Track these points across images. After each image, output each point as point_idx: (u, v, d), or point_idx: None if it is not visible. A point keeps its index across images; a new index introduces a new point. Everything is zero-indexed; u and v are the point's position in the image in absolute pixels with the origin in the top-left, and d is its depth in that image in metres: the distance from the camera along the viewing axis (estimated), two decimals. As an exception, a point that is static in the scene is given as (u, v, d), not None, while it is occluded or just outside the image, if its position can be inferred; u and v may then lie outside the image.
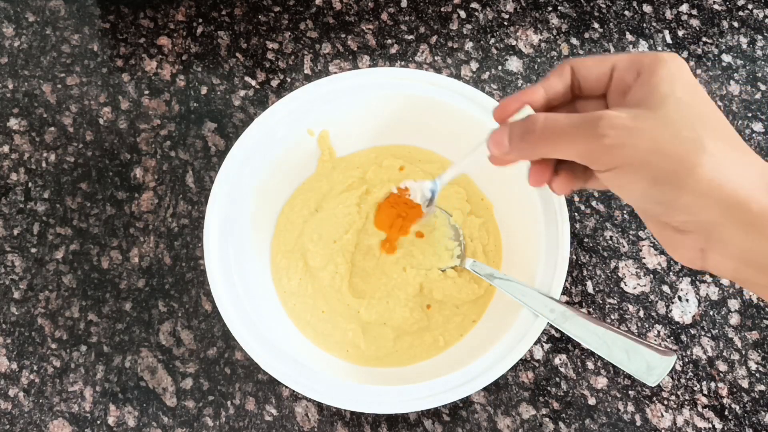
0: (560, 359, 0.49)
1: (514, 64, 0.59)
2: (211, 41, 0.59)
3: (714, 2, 0.62)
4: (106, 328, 0.49)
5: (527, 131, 0.33)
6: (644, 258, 0.52)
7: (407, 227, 0.47)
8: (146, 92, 0.57)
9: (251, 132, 0.47)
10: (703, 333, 0.50)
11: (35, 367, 0.48)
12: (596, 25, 0.61)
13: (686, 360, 0.50)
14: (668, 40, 0.60)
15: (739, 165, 0.29)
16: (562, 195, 0.37)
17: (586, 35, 0.60)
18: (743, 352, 0.50)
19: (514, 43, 0.60)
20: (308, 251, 0.48)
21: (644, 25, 0.61)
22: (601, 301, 0.51)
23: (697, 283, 0.52)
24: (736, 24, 0.61)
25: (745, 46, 0.60)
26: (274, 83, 0.57)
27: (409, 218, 0.46)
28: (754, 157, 0.30)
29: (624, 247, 0.53)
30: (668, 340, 0.50)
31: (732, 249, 0.29)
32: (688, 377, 0.49)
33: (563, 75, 0.35)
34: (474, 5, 0.61)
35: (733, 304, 0.51)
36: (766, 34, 0.61)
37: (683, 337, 0.50)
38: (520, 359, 0.46)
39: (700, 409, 0.48)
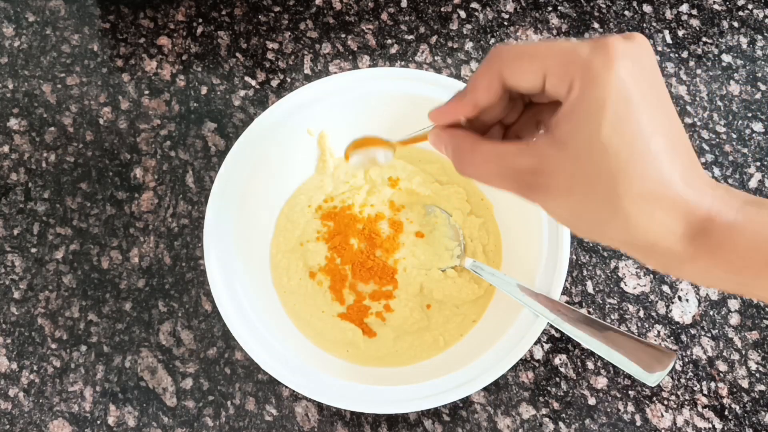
0: (560, 359, 0.49)
1: (514, 64, 0.59)
2: (211, 41, 0.59)
3: (714, 2, 0.62)
4: (106, 328, 0.49)
5: (458, 162, 0.32)
6: (644, 258, 0.52)
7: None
8: (146, 92, 0.57)
9: (251, 132, 0.47)
10: (703, 333, 0.50)
11: (35, 367, 0.48)
12: (596, 25, 0.61)
13: (686, 360, 0.50)
14: (668, 40, 0.60)
15: (658, 220, 0.28)
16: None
17: (586, 35, 0.60)
18: (743, 352, 0.50)
19: (514, 43, 0.60)
20: (308, 251, 0.49)
21: (644, 25, 0.61)
22: (601, 301, 0.51)
23: (697, 283, 0.52)
24: (736, 24, 0.61)
25: (745, 46, 0.60)
26: (274, 83, 0.57)
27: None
28: (674, 198, 0.28)
29: (624, 247, 0.53)
30: (668, 340, 0.50)
31: (673, 249, 0.29)
32: (688, 377, 0.49)
33: (491, 86, 0.30)
34: (474, 5, 0.61)
35: (733, 304, 0.51)
36: (766, 34, 0.61)
37: (683, 337, 0.50)
38: (520, 359, 0.46)
39: (700, 409, 0.48)
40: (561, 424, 0.47)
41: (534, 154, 0.29)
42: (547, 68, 0.28)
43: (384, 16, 0.60)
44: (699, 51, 0.60)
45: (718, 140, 0.56)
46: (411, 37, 0.60)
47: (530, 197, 0.30)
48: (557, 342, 0.50)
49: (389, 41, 0.59)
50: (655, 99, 0.28)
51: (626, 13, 0.61)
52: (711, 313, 0.51)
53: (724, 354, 0.50)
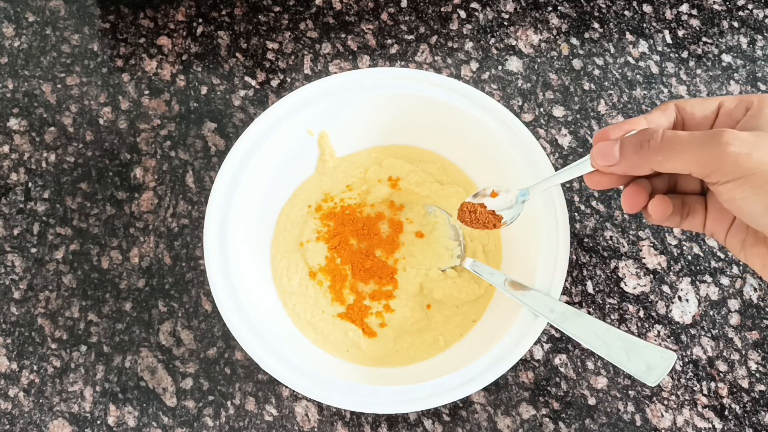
0: (560, 359, 0.49)
1: (514, 64, 0.59)
2: (211, 41, 0.59)
3: (714, 2, 0.62)
4: (106, 328, 0.49)
5: (644, 142, 0.33)
6: (644, 258, 0.52)
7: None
8: (146, 92, 0.57)
9: (251, 132, 0.47)
10: (703, 333, 0.50)
11: (35, 367, 0.48)
12: (596, 25, 0.61)
13: (686, 360, 0.50)
14: (668, 40, 0.60)
15: None
16: (657, 222, 0.37)
17: (586, 35, 0.60)
18: (743, 352, 0.50)
19: (514, 43, 0.60)
20: (308, 251, 0.49)
21: (644, 25, 0.61)
22: (601, 301, 0.51)
23: (697, 283, 0.52)
24: (736, 24, 0.61)
25: (745, 46, 0.60)
26: (274, 83, 0.57)
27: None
28: None
29: (624, 247, 0.53)
30: (668, 340, 0.50)
31: None
32: (688, 377, 0.49)
33: (667, 111, 0.35)
34: (474, 5, 0.61)
35: (733, 304, 0.51)
36: (766, 34, 0.61)
37: (683, 337, 0.50)
38: (520, 359, 0.46)
39: (700, 409, 0.48)
40: (561, 424, 0.47)
41: (732, 129, 0.31)
42: (723, 101, 0.34)
43: (384, 16, 0.60)
44: (699, 51, 0.60)
45: (718, 140, 0.56)
46: (411, 37, 0.60)
47: (726, 161, 0.30)
48: (557, 342, 0.50)
49: (389, 41, 0.59)
50: None
51: (626, 13, 0.61)
52: (711, 313, 0.51)
53: (724, 354, 0.50)
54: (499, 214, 0.43)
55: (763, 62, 0.60)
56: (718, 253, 0.53)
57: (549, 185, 0.41)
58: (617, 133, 0.35)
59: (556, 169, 0.54)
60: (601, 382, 0.49)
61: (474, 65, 0.59)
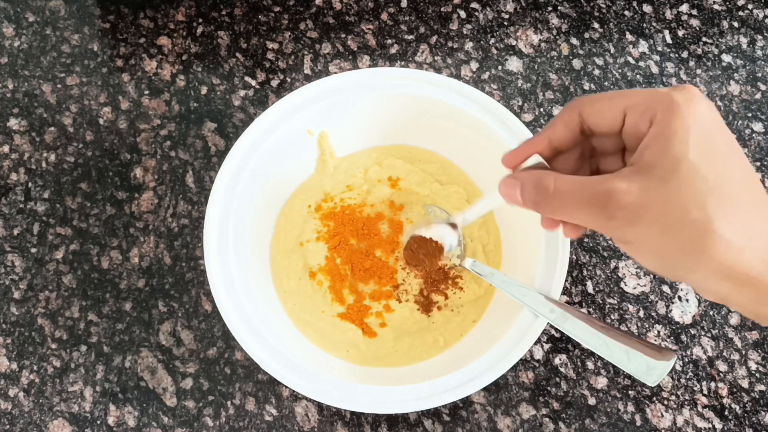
0: (560, 359, 0.49)
1: (514, 64, 0.59)
2: (211, 41, 0.59)
3: (714, 2, 0.62)
4: (106, 328, 0.49)
5: (538, 194, 0.32)
6: (644, 258, 0.52)
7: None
8: (146, 92, 0.57)
9: (251, 132, 0.47)
10: (703, 333, 0.50)
11: (35, 367, 0.48)
12: (596, 25, 0.61)
13: (686, 360, 0.50)
14: (668, 40, 0.60)
15: (753, 237, 0.28)
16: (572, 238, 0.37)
17: (586, 35, 0.60)
18: (743, 352, 0.50)
19: (514, 43, 0.60)
20: (308, 251, 0.49)
21: (644, 25, 0.61)
22: (601, 301, 0.51)
23: (697, 283, 0.52)
24: (736, 24, 0.61)
25: (745, 46, 0.60)
26: (274, 83, 0.57)
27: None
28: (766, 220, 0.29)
29: (624, 247, 0.53)
30: (668, 340, 0.50)
31: (746, 308, 0.30)
32: (688, 377, 0.49)
33: (570, 123, 0.33)
34: (474, 5, 0.61)
35: (733, 304, 0.51)
36: (766, 34, 0.61)
37: (683, 337, 0.50)
38: (520, 359, 0.46)
39: (700, 409, 0.48)
40: (561, 424, 0.47)
41: (620, 178, 0.29)
42: (628, 106, 0.31)
43: (384, 16, 0.60)
44: (699, 51, 0.60)
45: (718, 140, 0.56)
46: (411, 37, 0.60)
47: (612, 229, 0.30)
48: (557, 342, 0.50)
49: (389, 41, 0.59)
50: (729, 139, 0.29)
51: (626, 13, 0.61)
52: (711, 313, 0.51)
53: (724, 354, 0.50)
54: (440, 243, 0.46)
55: (763, 62, 0.60)
56: (718, 253, 0.53)
57: (471, 219, 0.43)
58: (521, 157, 0.34)
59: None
60: (601, 382, 0.49)
61: (474, 65, 0.59)
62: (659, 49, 0.60)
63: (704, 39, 0.61)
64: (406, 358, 0.47)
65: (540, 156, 0.34)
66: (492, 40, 0.60)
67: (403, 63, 0.59)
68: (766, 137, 0.57)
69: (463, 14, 0.61)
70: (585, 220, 0.31)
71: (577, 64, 0.59)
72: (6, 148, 0.55)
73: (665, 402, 0.48)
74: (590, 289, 0.51)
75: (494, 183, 0.51)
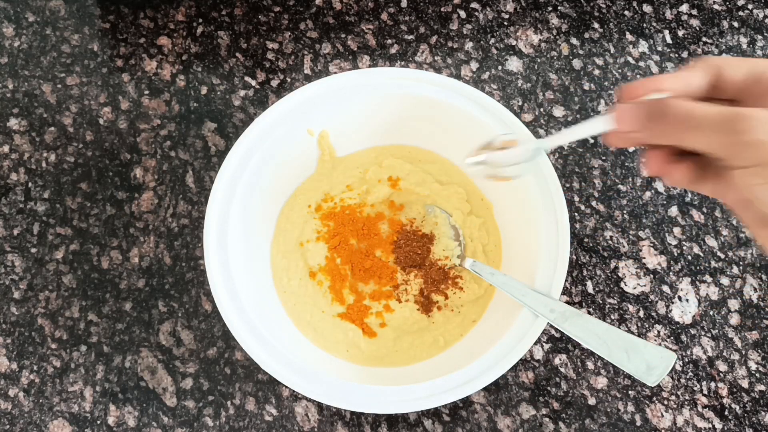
0: (560, 359, 0.49)
1: (514, 64, 0.59)
2: (211, 41, 0.59)
3: (714, 2, 0.62)
4: (106, 328, 0.49)
5: (662, 113, 0.31)
6: (644, 258, 0.52)
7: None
8: (146, 92, 0.57)
9: (251, 132, 0.47)
10: (703, 333, 0.50)
11: (35, 367, 0.48)
12: (596, 25, 0.61)
13: (686, 360, 0.50)
14: (668, 40, 0.60)
15: None
16: (677, 186, 0.34)
17: (586, 35, 0.60)
18: (743, 352, 0.50)
19: (514, 43, 0.60)
20: (308, 251, 0.49)
21: (644, 25, 0.61)
22: (601, 301, 0.51)
23: (697, 283, 0.52)
24: (736, 24, 0.61)
25: (745, 46, 0.60)
26: (274, 83, 0.57)
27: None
28: None
29: (624, 247, 0.53)
30: (668, 340, 0.50)
31: None
32: (688, 377, 0.49)
33: (708, 70, 0.32)
34: (474, 5, 0.61)
35: (733, 304, 0.51)
36: (766, 34, 0.61)
37: (683, 337, 0.50)
38: (520, 359, 0.46)
39: (700, 409, 0.48)
40: (561, 424, 0.47)
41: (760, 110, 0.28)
42: (766, 68, 0.31)
43: (384, 16, 0.60)
44: (699, 51, 0.60)
45: (718, 140, 0.56)
46: (411, 37, 0.60)
47: (745, 155, 0.29)
48: (557, 342, 0.50)
49: (389, 41, 0.59)
50: None
51: (626, 13, 0.61)
52: (711, 313, 0.51)
53: (724, 354, 0.50)
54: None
55: (763, 62, 0.60)
56: (718, 253, 0.53)
57: (564, 141, 0.38)
58: (640, 92, 0.33)
59: (556, 169, 0.54)
60: (601, 382, 0.49)
61: (474, 65, 0.59)
62: (659, 49, 0.60)
63: (704, 39, 0.61)
64: (406, 358, 0.47)
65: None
66: (492, 40, 0.60)
67: (403, 63, 0.59)
68: (766, 137, 0.57)
69: (463, 14, 0.61)
70: (712, 137, 0.29)
71: (577, 64, 0.59)
72: (6, 148, 0.55)
73: (665, 402, 0.48)
74: (590, 289, 0.51)
75: (494, 183, 0.51)
